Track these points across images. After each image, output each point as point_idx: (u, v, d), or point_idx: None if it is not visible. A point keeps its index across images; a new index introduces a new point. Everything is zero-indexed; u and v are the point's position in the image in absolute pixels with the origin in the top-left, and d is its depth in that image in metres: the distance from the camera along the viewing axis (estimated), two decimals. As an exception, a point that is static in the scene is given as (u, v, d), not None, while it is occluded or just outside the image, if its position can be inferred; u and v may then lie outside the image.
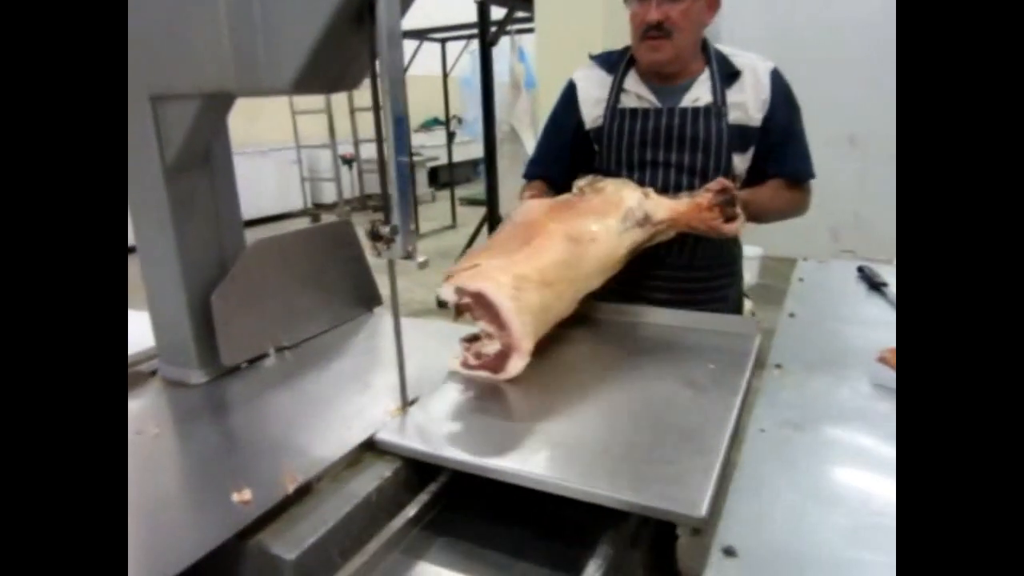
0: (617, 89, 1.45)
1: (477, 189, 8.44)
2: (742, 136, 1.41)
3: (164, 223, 0.98)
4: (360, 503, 0.76)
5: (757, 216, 1.36)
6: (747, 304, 2.49)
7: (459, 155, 6.88)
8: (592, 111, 1.46)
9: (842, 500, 0.75)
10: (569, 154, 1.52)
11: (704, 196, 1.22)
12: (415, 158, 7.23)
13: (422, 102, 7.10)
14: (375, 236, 0.82)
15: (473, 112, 7.60)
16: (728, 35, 3.79)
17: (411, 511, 0.79)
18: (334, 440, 0.85)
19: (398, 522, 0.77)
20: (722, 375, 1.03)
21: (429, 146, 7.75)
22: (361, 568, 0.71)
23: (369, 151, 7.52)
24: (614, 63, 1.47)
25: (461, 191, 7.51)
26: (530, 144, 3.70)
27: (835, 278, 1.58)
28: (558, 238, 1.11)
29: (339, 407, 0.96)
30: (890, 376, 1.04)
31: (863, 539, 0.68)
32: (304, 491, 0.76)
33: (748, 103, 1.40)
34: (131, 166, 0.94)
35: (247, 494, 0.72)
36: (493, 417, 0.94)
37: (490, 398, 0.98)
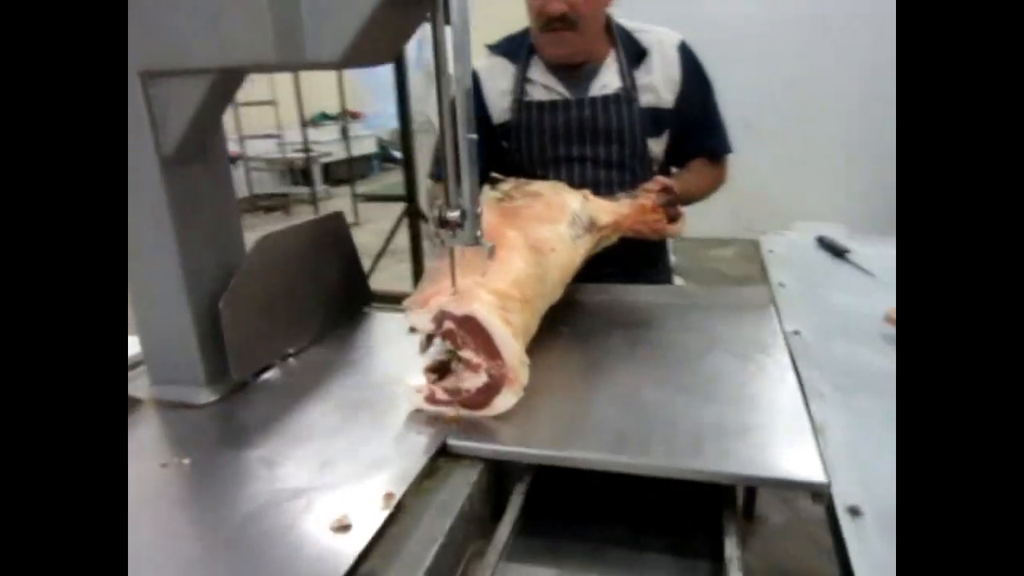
0: (522, 79, 1.35)
1: (376, 184, 8.20)
2: (656, 120, 1.36)
3: (162, 224, 0.84)
4: (458, 514, 0.70)
5: (685, 202, 1.33)
6: (677, 280, 2.58)
7: (353, 150, 6.63)
8: (498, 104, 1.36)
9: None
10: (479, 150, 1.41)
11: (646, 198, 1.19)
12: (309, 154, 6.91)
13: (311, 97, 6.78)
14: (442, 223, 0.76)
15: (373, 106, 7.37)
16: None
17: (510, 515, 0.73)
18: (402, 450, 0.78)
19: (504, 529, 0.71)
20: (756, 343, 1.04)
21: (322, 141, 7.42)
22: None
23: (255, 148, 7.08)
24: (516, 51, 1.37)
25: (359, 187, 7.28)
26: (446, 135, 3.66)
27: (799, 249, 1.66)
28: (522, 247, 0.98)
29: (382, 414, 0.88)
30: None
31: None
32: (398, 508, 0.69)
33: (659, 84, 1.35)
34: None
35: (346, 519, 0.64)
36: (552, 406, 0.88)
37: (533, 387, 0.93)
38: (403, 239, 3.79)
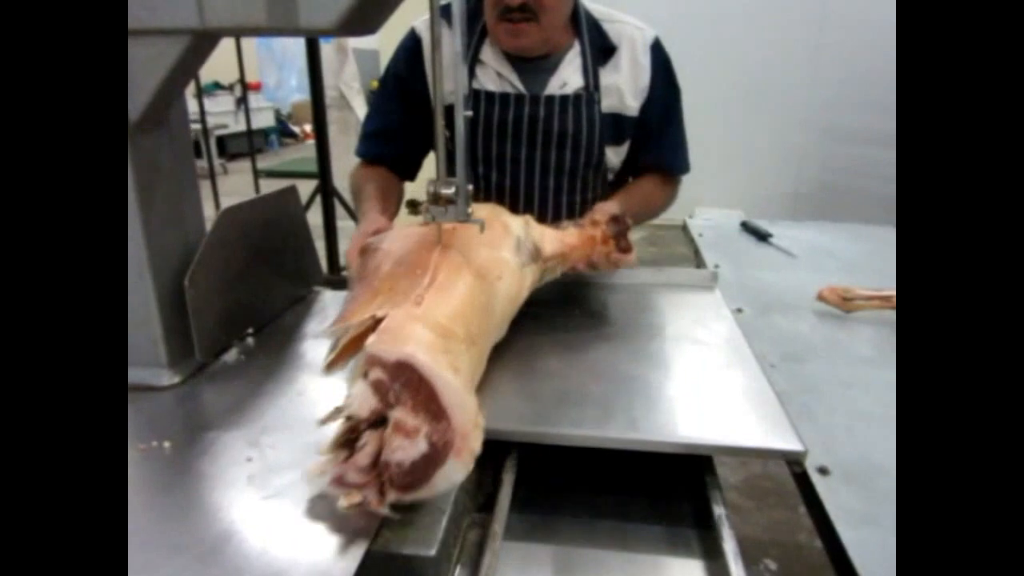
0: (472, 59, 1.17)
1: (275, 160, 7.82)
2: (616, 127, 1.23)
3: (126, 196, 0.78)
4: (460, 488, 0.71)
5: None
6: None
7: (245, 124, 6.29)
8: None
9: (878, 415, 0.86)
10: (418, 127, 1.20)
11: (596, 230, 1.05)
12: (198, 125, 6.47)
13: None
14: (435, 198, 0.75)
15: (274, 76, 6.99)
16: None
17: (506, 491, 0.75)
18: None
19: (504, 502, 0.73)
20: (708, 319, 1.11)
21: (214, 112, 6.98)
22: (491, 557, 0.66)
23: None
24: (468, 20, 1.16)
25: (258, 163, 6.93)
26: (361, 110, 3.52)
27: (725, 233, 1.77)
28: (467, 273, 0.80)
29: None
30: (831, 309, 1.21)
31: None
32: (402, 484, 0.68)
33: (624, 88, 1.20)
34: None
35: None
36: (533, 382, 0.89)
37: (508, 364, 0.93)
38: (315, 217, 3.66)
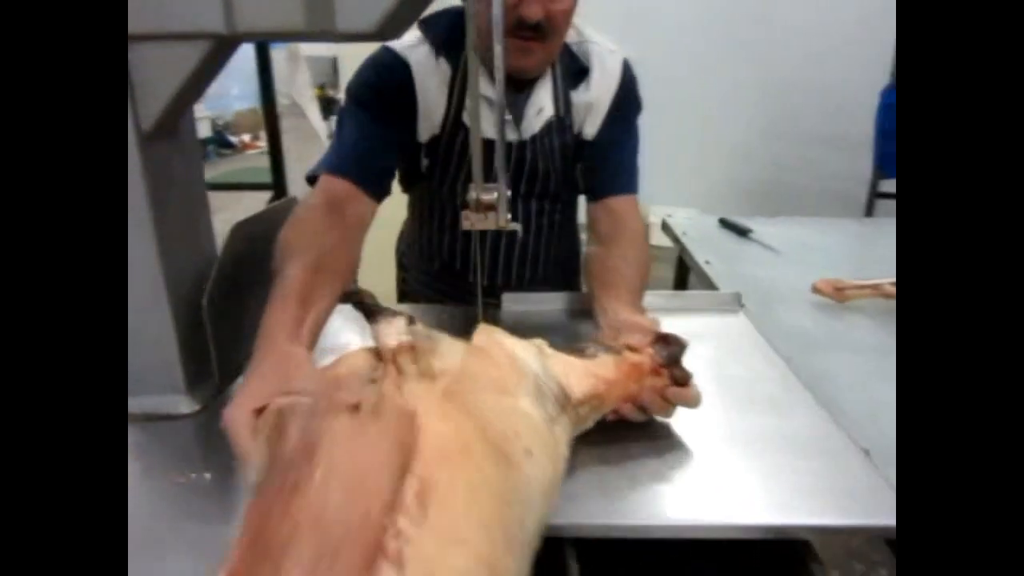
0: (461, 92, 1.09)
1: (211, 172, 7.53)
2: (579, 148, 1.19)
3: (139, 211, 0.73)
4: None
5: None
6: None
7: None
8: (429, 119, 1.10)
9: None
10: (396, 156, 1.12)
11: (642, 356, 0.76)
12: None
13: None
14: (479, 206, 0.73)
15: (214, 85, 6.71)
16: None
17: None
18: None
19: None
20: (743, 351, 1.03)
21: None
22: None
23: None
24: (452, 46, 1.08)
25: (197, 175, 6.66)
26: (316, 118, 3.43)
27: (705, 230, 1.80)
28: (479, 454, 0.52)
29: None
30: (826, 301, 1.25)
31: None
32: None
33: (592, 109, 1.16)
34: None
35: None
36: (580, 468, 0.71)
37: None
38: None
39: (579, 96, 1.15)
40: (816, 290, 1.26)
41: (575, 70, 1.15)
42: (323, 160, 1.07)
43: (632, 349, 0.76)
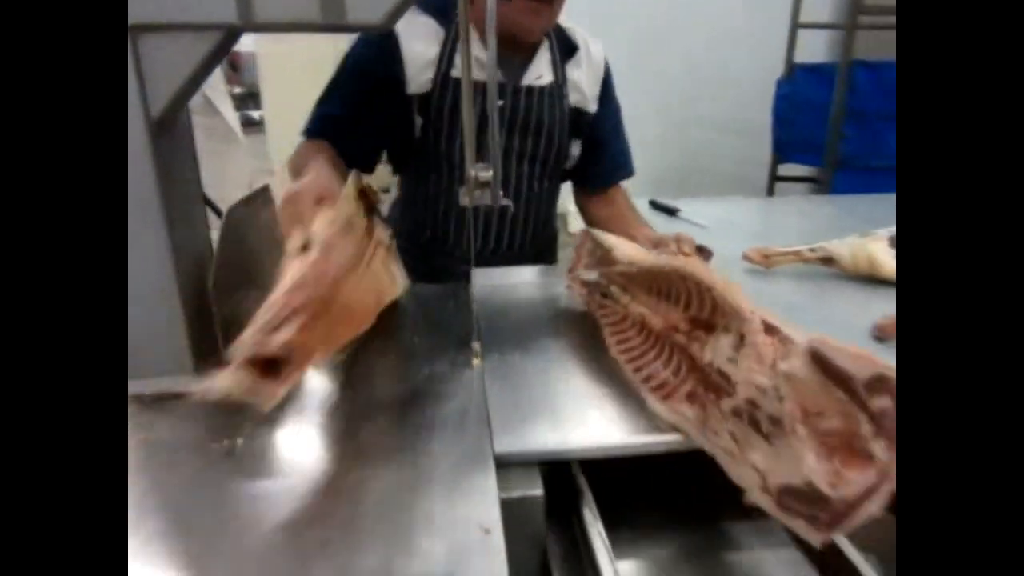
0: (451, 49, 1.18)
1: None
2: (577, 121, 1.31)
3: (149, 198, 0.76)
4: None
5: None
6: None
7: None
8: (420, 74, 1.18)
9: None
10: (379, 119, 1.20)
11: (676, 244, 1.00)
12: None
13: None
14: (478, 183, 0.80)
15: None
16: None
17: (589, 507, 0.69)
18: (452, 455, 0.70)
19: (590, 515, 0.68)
20: None
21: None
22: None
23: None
24: (446, 10, 1.18)
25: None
26: (231, 114, 3.34)
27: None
28: None
29: (410, 381, 0.87)
30: (755, 267, 1.40)
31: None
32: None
33: (584, 84, 1.30)
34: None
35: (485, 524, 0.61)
36: (560, 396, 0.81)
37: (529, 375, 0.86)
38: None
39: (571, 71, 1.28)
40: (746, 257, 1.41)
41: (567, 46, 1.29)
42: (308, 123, 1.21)
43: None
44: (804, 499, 0.50)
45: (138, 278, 0.77)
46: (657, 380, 0.75)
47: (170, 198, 0.79)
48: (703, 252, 1.01)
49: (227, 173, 3.42)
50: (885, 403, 0.48)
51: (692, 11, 4.14)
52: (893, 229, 1.34)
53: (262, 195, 1.02)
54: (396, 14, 0.72)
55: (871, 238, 1.33)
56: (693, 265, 0.77)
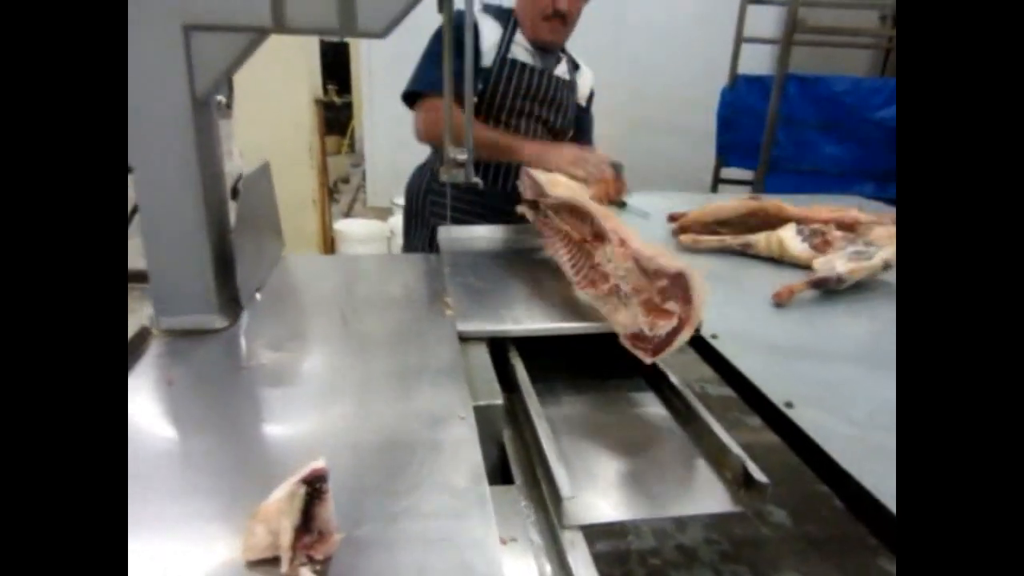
0: (509, 40, 1.81)
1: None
2: (577, 115, 2.05)
3: (189, 162, 0.93)
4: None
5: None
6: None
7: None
8: (488, 53, 1.77)
9: (746, 303, 1.27)
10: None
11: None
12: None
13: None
14: (454, 162, 1.00)
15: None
16: None
17: (520, 373, 1.01)
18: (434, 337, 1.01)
19: (523, 376, 1.00)
20: None
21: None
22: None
23: None
24: (504, 18, 1.82)
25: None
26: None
27: (588, 201, 2.17)
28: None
29: (395, 321, 1.09)
30: (686, 247, 1.64)
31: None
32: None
33: (581, 89, 2.01)
34: (155, 96, 0.89)
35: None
36: (506, 293, 1.20)
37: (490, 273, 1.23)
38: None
39: (577, 78, 1.97)
40: (681, 242, 1.65)
41: (574, 64, 1.99)
42: (415, 84, 1.72)
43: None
44: (640, 339, 0.96)
45: (171, 227, 0.95)
46: (581, 274, 1.14)
47: (203, 157, 0.96)
48: (615, 166, 1.67)
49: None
50: (663, 283, 0.93)
51: (646, 24, 4.43)
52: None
53: (263, 169, 1.20)
54: (392, 26, 0.92)
55: (784, 226, 1.57)
56: (584, 199, 1.21)
